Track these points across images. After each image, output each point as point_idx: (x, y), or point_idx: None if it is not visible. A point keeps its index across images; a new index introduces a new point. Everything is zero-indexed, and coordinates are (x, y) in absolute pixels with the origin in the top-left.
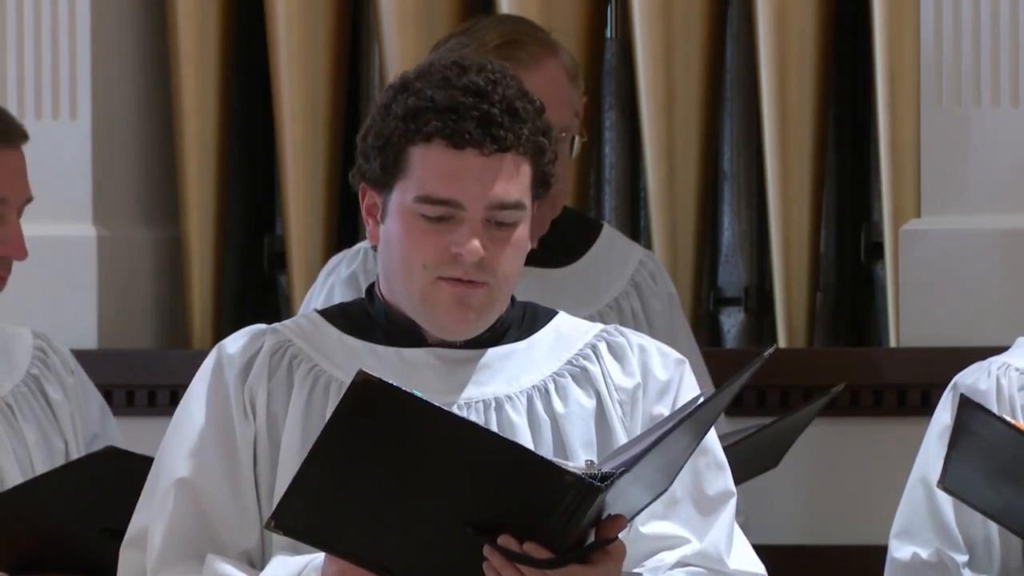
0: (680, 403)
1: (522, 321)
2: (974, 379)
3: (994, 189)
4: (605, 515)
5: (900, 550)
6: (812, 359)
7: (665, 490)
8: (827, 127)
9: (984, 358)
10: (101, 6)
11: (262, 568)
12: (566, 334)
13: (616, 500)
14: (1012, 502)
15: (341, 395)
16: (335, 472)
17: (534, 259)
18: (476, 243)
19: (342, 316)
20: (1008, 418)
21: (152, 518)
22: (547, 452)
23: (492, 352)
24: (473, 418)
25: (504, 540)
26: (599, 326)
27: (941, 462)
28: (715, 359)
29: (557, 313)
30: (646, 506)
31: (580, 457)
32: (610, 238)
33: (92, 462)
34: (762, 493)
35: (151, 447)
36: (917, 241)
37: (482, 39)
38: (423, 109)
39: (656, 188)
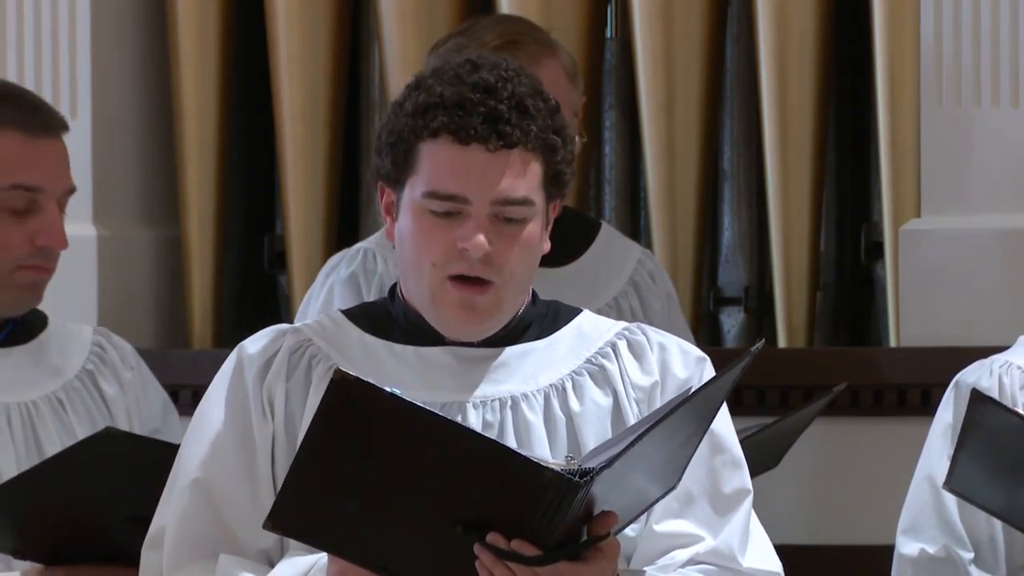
0: None
1: (544, 319)
2: (976, 377)
3: (994, 189)
4: (596, 511)
5: (907, 546)
6: (812, 359)
7: (675, 486)
8: (827, 127)
9: (985, 357)
10: (101, 6)
11: None
12: (588, 332)
13: (610, 495)
14: (1020, 498)
15: None
16: (323, 471)
17: None
18: (481, 238)
19: (364, 316)
20: (1021, 411)
21: (169, 517)
22: (562, 451)
23: (510, 351)
24: (489, 416)
25: (492, 538)
26: (621, 324)
27: (945, 459)
28: (715, 359)
29: (581, 311)
30: (655, 502)
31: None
32: (609, 237)
33: (92, 444)
34: (761, 493)
35: None
36: (917, 241)
37: (481, 39)
38: (432, 105)
39: (656, 188)
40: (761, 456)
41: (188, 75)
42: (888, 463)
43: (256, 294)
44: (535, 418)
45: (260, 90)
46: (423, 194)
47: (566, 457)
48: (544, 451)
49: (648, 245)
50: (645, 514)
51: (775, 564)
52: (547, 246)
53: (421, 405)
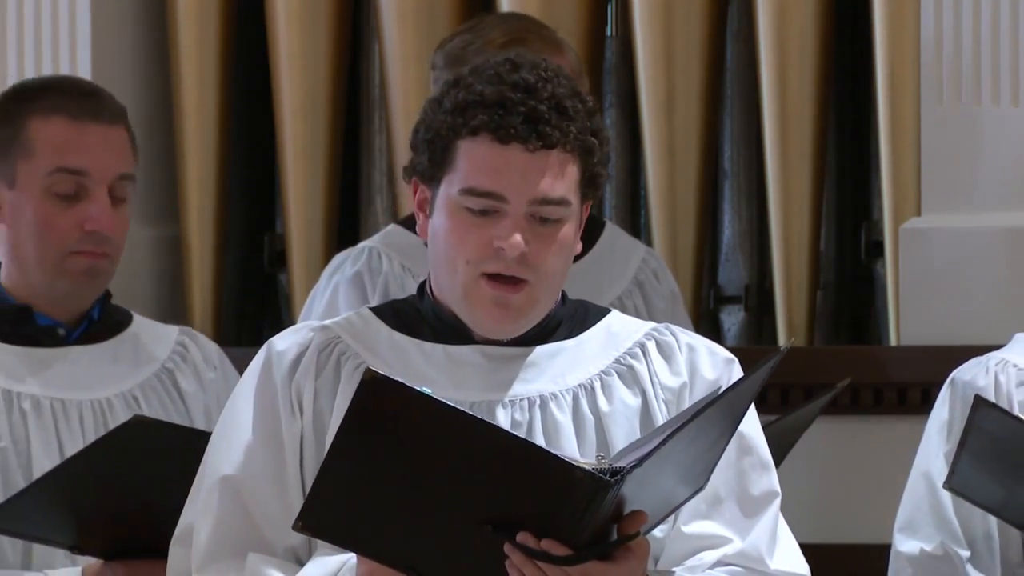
0: None
1: (573, 318)
2: (972, 375)
3: (995, 187)
4: (626, 511)
5: (904, 544)
6: (812, 357)
7: (703, 487)
8: (827, 126)
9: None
10: (101, 6)
11: None
12: (616, 332)
13: (639, 495)
14: (1017, 498)
15: None
16: (353, 471)
17: None
18: (518, 237)
19: (393, 313)
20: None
21: (198, 515)
22: (590, 450)
23: (539, 350)
24: (518, 416)
25: (522, 537)
26: (650, 324)
27: (941, 457)
28: None
29: (610, 311)
30: (684, 502)
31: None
32: (612, 236)
33: (123, 432)
34: None
35: None
36: (917, 239)
37: (487, 37)
38: (472, 103)
39: (656, 187)
40: None
41: (188, 74)
42: (888, 462)
43: (256, 293)
44: (564, 418)
45: (260, 89)
46: (460, 191)
47: (597, 456)
48: (573, 450)
49: (648, 243)
50: (673, 515)
51: (803, 567)
52: (579, 247)
53: (452, 404)
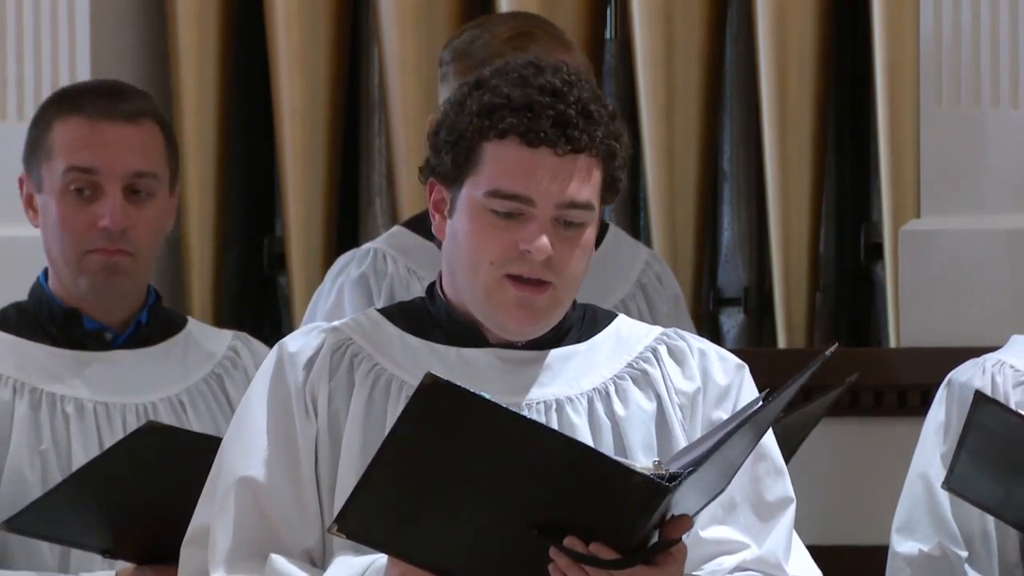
0: (740, 408)
1: (583, 322)
2: (969, 376)
3: (995, 189)
4: (668, 516)
5: (902, 545)
6: (811, 359)
7: (723, 491)
8: (827, 127)
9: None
10: (101, 6)
11: (323, 566)
12: (626, 337)
13: (680, 500)
14: (1016, 497)
15: (402, 394)
16: (401, 476)
17: None
18: (545, 240)
19: (402, 314)
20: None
21: (214, 517)
22: (609, 454)
23: (553, 354)
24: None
25: (570, 541)
26: (659, 329)
27: (938, 458)
28: None
29: (617, 315)
30: (704, 507)
31: (640, 460)
32: (616, 239)
33: (137, 438)
34: None
35: None
36: (917, 241)
37: (494, 31)
38: (499, 106)
39: (656, 188)
40: None
41: (188, 75)
42: (888, 463)
43: (256, 295)
44: (580, 421)
45: (260, 90)
46: (486, 193)
47: (654, 461)
48: None
49: (648, 245)
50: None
51: (816, 573)
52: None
53: (512, 409)
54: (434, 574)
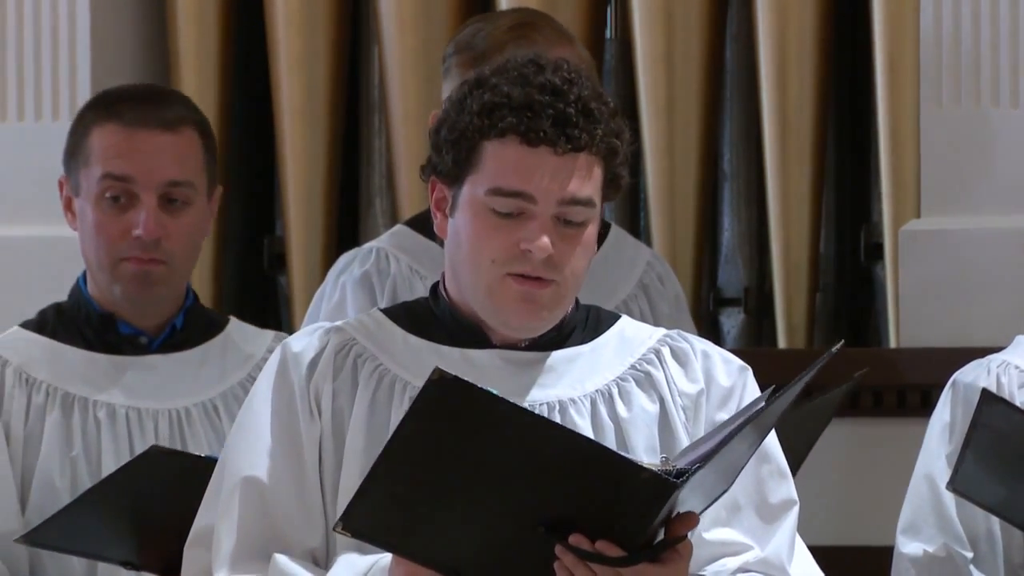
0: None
1: (586, 323)
2: (973, 377)
3: (995, 190)
4: (675, 513)
5: (907, 546)
6: (811, 360)
7: (725, 491)
8: (827, 127)
9: (984, 358)
10: (101, 6)
11: (327, 566)
12: (630, 338)
13: (687, 498)
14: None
15: (405, 395)
16: (407, 473)
17: None
18: (546, 239)
19: (405, 315)
20: None
21: (218, 517)
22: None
23: (557, 355)
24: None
25: (576, 539)
26: (662, 331)
27: (943, 458)
28: None
29: (620, 316)
30: (707, 507)
31: (645, 461)
32: (618, 239)
33: (141, 462)
34: None
35: None
36: (917, 242)
37: (497, 23)
38: (499, 105)
39: (656, 189)
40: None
41: (188, 76)
42: (888, 464)
43: (256, 295)
44: (584, 423)
45: (260, 91)
46: (487, 191)
47: (661, 458)
48: None
49: (648, 245)
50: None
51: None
52: (596, 249)
53: (520, 405)
54: (440, 573)
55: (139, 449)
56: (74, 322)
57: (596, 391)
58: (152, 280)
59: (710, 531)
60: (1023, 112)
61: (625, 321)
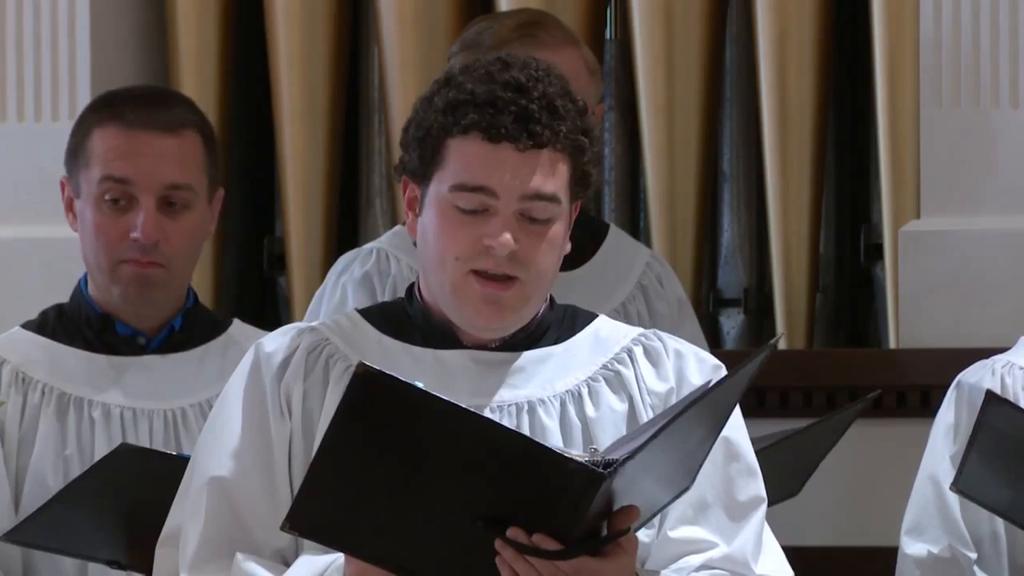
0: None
1: (561, 323)
2: (978, 378)
3: (994, 190)
4: (616, 507)
5: (912, 547)
6: (811, 360)
7: (687, 488)
8: (827, 128)
9: (985, 358)
10: (101, 6)
11: None
12: (604, 338)
13: (629, 491)
14: None
15: None
16: (344, 469)
17: None
18: (507, 236)
19: (381, 316)
20: None
21: (186, 516)
22: (544, 443)
23: (528, 355)
24: (505, 421)
25: (513, 532)
26: (638, 330)
27: (948, 459)
28: None
29: (597, 316)
30: (668, 504)
31: None
32: (617, 240)
33: (112, 460)
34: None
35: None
36: (917, 242)
37: (503, 22)
38: (463, 102)
39: (656, 189)
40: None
41: (188, 76)
42: (888, 464)
43: (255, 296)
44: (551, 423)
45: (260, 91)
46: (450, 188)
47: (590, 449)
48: None
49: (647, 246)
50: (658, 518)
51: (788, 572)
52: (568, 247)
53: (446, 398)
54: (389, 570)
55: None
56: (74, 323)
57: (566, 392)
58: (150, 283)
59: (676, 529)
60: (1023, 112)
61: (602, 321)
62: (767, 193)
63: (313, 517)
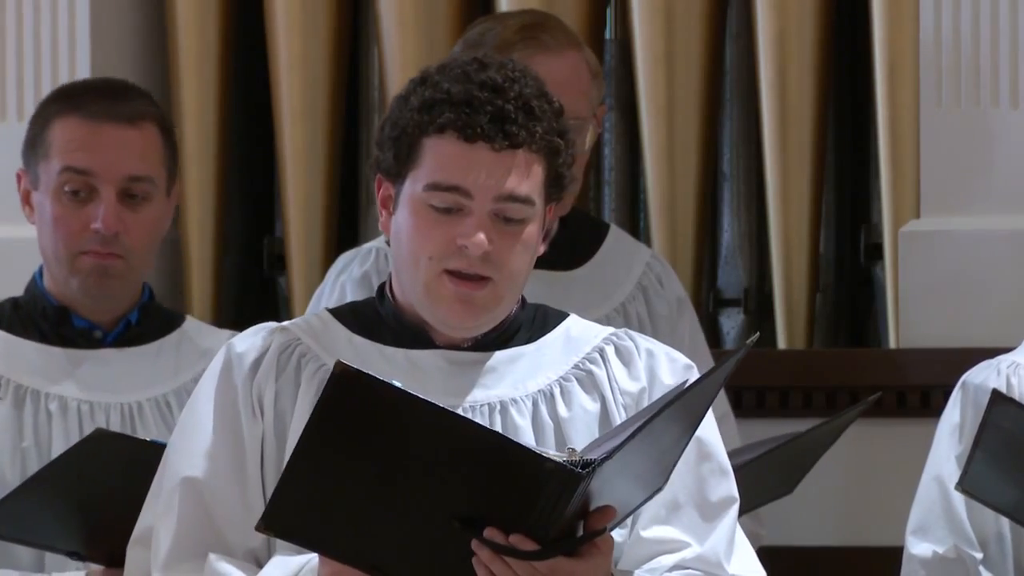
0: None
1: (532, 323)
2: (983, 378)
3: (994, 190)
4: (593, 507)
5: (917, 547)
6: (811, 360)
7: (660, 488)
8: (827, 127)
9: (984, 359)
10: (101, 7)
11: None
12: (576, 337)
13: (604, 491)
14: None
15: None
16: (320, 469)
17: (541, 261)
18: (481, 236)
19: (352, 315)
20: None
21: (158, 516)
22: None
23: (499, 355)
24: (478, 421)
25: (490, 532)
26: (609, 329)
27: (953, 460)
28: (715, 361)
29: (568, 315)
30: (641, 504)
31: None
32: (617, 240)
33: (88, 445)
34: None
35: None
36: (917, 242)
37: (506, 23)
38: (439, 101)
39: (656, 189)
40: (777, 478)
41: (188, 77)
42: (888, 464)
43: (256, 296)
44: (524, 423)
45: (260, 92)
46: (424, 187)
47: (567, 449)
48: None
49: (648, 246)
50: (631, 519)
51: (760, 572)
52: (542, 249)
53: (423, 397)
54: (363, 571)
55: None
56: (30, 315)
57: (538, 391)
58: (109, 274)
59: (648, 529)
60: (1023, 113)
61: (572, 320)
62: (767, 193)
63: (288, 517)
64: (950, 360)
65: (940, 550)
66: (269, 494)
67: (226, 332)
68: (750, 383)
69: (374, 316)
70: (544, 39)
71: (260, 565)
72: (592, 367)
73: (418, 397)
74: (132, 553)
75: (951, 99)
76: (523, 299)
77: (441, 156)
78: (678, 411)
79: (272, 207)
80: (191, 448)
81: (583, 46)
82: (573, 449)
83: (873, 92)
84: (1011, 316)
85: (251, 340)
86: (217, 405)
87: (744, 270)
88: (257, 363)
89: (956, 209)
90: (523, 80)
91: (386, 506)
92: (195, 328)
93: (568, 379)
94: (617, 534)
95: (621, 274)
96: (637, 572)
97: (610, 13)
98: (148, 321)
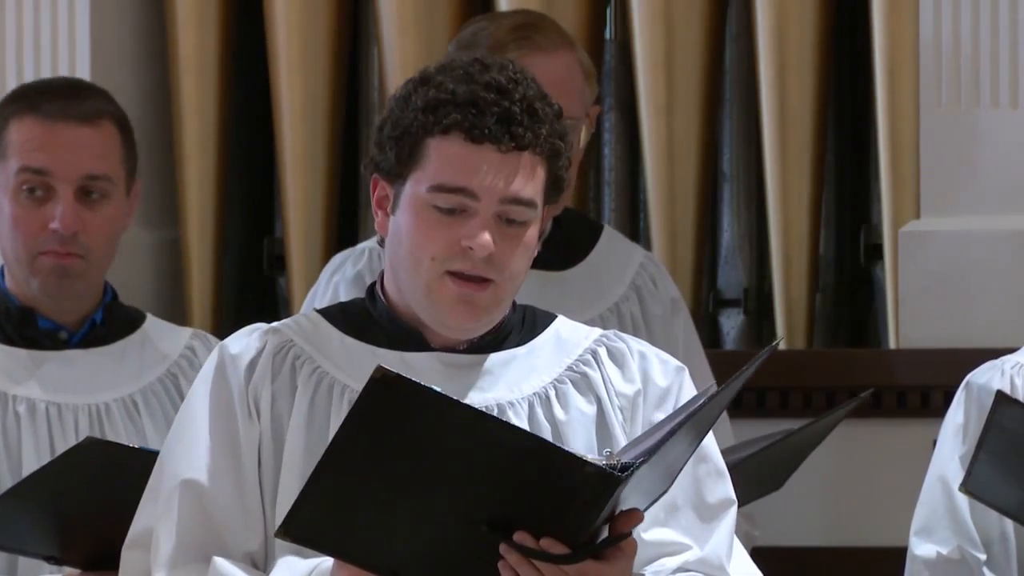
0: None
1: (523, 325)
2: (987, 378)
3: (994, 191)
4: (618, 510)
5: (921, 548)
6: (811, 360)
7: (665, 492)
8: (827, 128)
9: (984, 359)
10: (101, 7)
11: (266, 570)
12: (566, 339)
13: (629, 495)
14: None
15: (344, 398)
16: (349, 476)
17: (535, 261)
18: (487, 237)
19: (342, 316)
20: None
21: (157, 519)
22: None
23: (494, 358)
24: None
25: (520, 536)
26: (598, 331)
27: (957, 460)
28: (714, 361)
29: (556, 317)
30: (648, 507)
31: None
32: (611, 240)
33: (76, 453)
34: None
35: (156, 447)
36: (916, 243)
37: (499, 23)
38: (443, 102)
39: (656, 190)
40: (767, 475)
41: (188, 77)
42: (887, 465)
43: (255, 296)
44: (521, 425)
45: (260, 92)
46: (429, 188)
47: (605, 452)
48: None
49: (647, 247)
50: None
51: (757, 575)
52: (536, 250)
53: (464, 402)
54: (382, 575)
55: (59, 444)
56: None
57: (533, 393)
58: (69, 274)
59: (648, 531)
60: (1022, 114)
61: (561, 321)
62: (767, 193)
63: (310, 524)
64: (950, 360)
65: (944, 551)
66: (266, 497)
67: (186, 331)
68: (750, 383)
69: (365, 317)
70: (537, 39)
71: (258, 567)
72: (586, 369)
73: (458, 402)
74: (129, 555)
75: (951, 100)
76: (513, 301)
77: (447, 157)
78: (692, 422)
79: (272, 207)
80: (188, 451)
81: (576, 46)
82: (610, 452)
83: (873, 93)
84: (1011, 316)
85: (244, 341)
86: (212, 407)
87: (744, 270)
88: (252, 365)
89: (956, 210)
90: (525, 82)
91: (413, 511)
92: (156, 327)
93: (563, 381)
94: None
95: (615, 274)
96: (645, 571)
97: (610, 13)
98: (112, 321)
